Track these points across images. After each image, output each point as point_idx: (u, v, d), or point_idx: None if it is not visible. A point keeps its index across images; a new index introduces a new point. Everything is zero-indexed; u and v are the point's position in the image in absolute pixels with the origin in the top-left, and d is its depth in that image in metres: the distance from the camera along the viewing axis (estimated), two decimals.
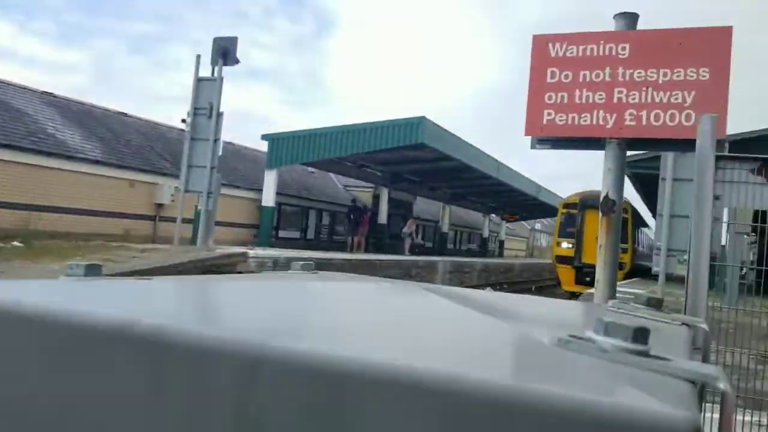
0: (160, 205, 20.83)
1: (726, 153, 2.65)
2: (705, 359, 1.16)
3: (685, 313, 2.22)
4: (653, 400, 0.58)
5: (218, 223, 21.59)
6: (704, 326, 1.21)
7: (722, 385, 0.69)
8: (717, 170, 2.48)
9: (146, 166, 21.14)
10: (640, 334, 0.73)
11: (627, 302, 1.22)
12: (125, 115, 24.32)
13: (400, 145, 21.92)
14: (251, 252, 16.11)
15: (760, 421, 4.33)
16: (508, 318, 1.20)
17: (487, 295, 1.61)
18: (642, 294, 1.20)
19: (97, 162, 19.12)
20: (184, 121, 16.44)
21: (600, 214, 3.23)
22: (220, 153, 17.00)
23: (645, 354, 0.71)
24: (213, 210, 16.09)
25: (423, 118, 21.41)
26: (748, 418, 4.38)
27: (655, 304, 1.18)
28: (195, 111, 16.17)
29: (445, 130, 23.28)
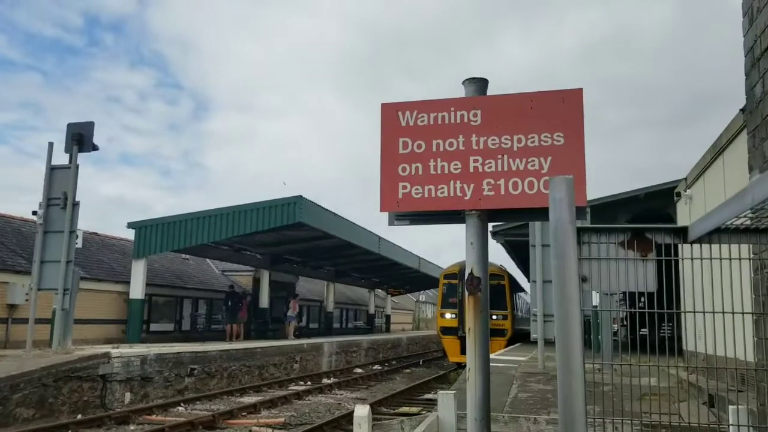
0: (12, 306, 18.86)
1: (588, 223, 2.46)
2: None
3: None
4: None
5: (83, 321, 19.83)
6: None
7: None
8: (582, 246, 2.26)
9: None
10: None
11: None
12: None
13: (278, 225, 21.40)
14: (116, 351, 14.70)
15: None
16: None
17: None
18: None
19: None
20: (35, 213, 15.10)
21: (466, 293, 2.93)
22: (80, 245, 15.72)
23: None
24: (71, 308, 14.67)
25: (300, 197, 21.12)
26: None
27: None
28: (48, 201, 14.94)
29: (324, 208, 23.10)
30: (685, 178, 13.58)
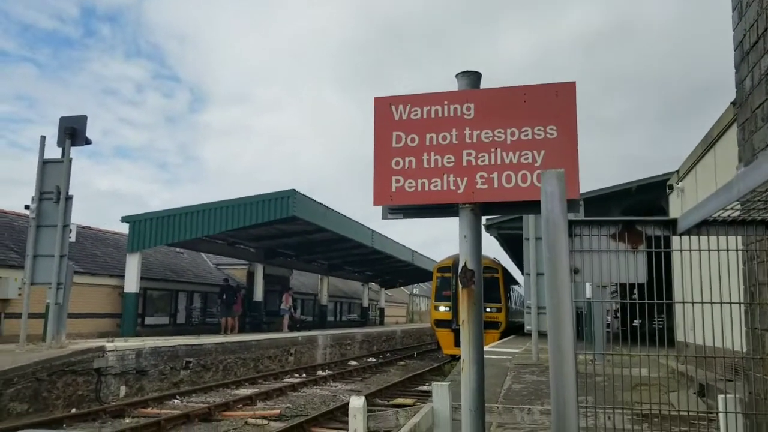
0: (5, 301, 18.83)
1: (581, 216, 2.51)
2: None
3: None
4: None
5: (78, 315, 19.82)
6: None
7: None
8: (573, 238, 2.30)
9: None
10: None
11: None
12: None
13: (272, 219, 21.41)
14: (110, 345, 14.71)
15: None
16: None
17: None
18: None
19: None
20: (27, 207, 15.04)
21: (460, 286, 2.97)
22: (73, 239, 15.65)
23: None
24: (64, 303, 14.64)
25: (293, 191, 21.12)
26: None
27: None
28: (41, 196, 14.88)
29: (317, 202, 23.10)
30: (677, 171, 13.65)
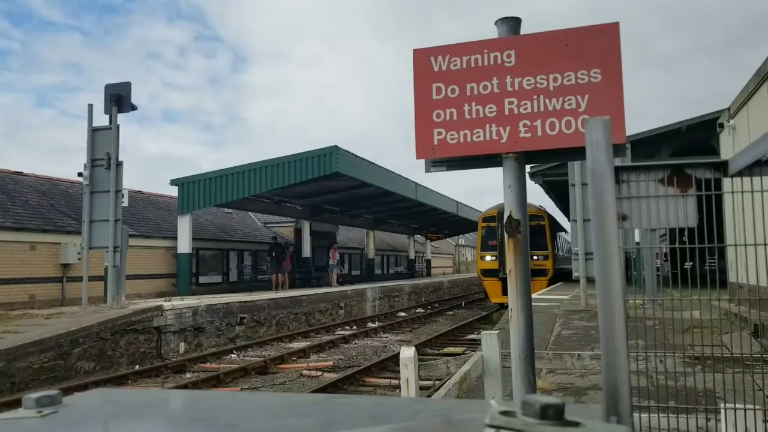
0: (66, 266, 19.58)
1: (629, 160, 2.46)
2: None
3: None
4: None
5: (135, 276, 20.55)
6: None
7: None
8: (621, 184, 2.27)
9: (47, 225, 19.85)
10: None
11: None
12: (21, 174, 22.88)
13: (316, 176, 21.58)
14: (168, 304, 15.26)
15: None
16: None
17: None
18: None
19: None
20: (80, 174, 15.53)
21: (506, 236, 2.97)
22: (126, 204, 16.14)
23: None
24: (122, 265, 15.20)
25: (336, 147, 21.17)
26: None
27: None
28: (92, 162, 15.33)
29: (360, 157, 23.13)
30: (728, 108, 13.15)
